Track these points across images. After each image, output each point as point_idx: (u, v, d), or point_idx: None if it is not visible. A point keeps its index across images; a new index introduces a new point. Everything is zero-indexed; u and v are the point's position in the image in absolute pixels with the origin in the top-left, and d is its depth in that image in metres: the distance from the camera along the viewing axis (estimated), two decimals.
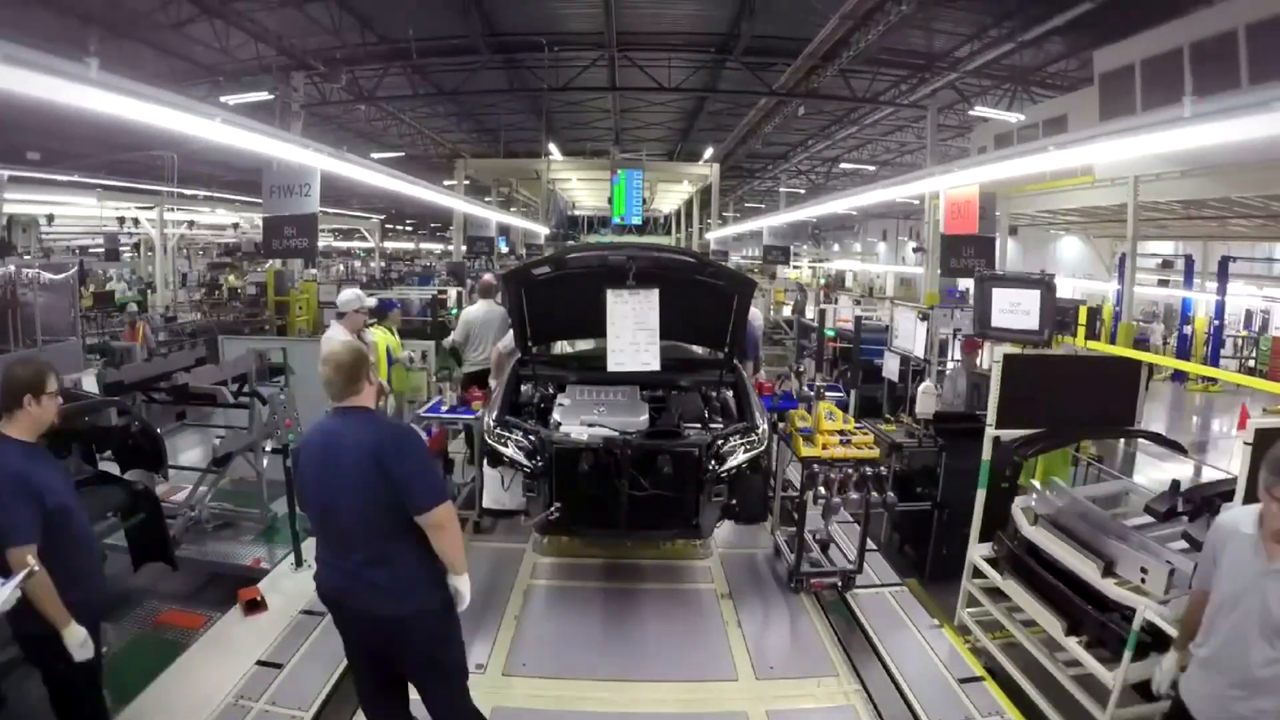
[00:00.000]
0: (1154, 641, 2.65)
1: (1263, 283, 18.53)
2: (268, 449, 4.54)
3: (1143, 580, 2.69)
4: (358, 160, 5.55)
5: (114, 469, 4.03)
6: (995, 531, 3.52)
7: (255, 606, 3.76)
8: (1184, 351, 16.97)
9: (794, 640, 3.64)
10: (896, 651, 3.55)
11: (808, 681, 3.41)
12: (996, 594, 3.60)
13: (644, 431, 4.12)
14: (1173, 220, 14.71)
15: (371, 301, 5.34)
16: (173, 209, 16.53)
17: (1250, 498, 2.28)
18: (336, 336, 4.88)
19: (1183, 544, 2.78)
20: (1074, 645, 2.87)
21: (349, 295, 5.12)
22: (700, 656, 3.57)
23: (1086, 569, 2.88)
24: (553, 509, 3.81)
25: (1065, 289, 19.18)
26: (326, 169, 5.51)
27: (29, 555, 2.30)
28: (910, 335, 6.01)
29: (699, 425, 4.38)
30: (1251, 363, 17.93)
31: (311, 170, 5.96)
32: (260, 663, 3.34)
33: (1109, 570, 2.81)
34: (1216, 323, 16.52)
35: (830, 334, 6.62)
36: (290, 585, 4.05)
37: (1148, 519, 3.11)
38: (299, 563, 4.25)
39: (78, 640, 2.44)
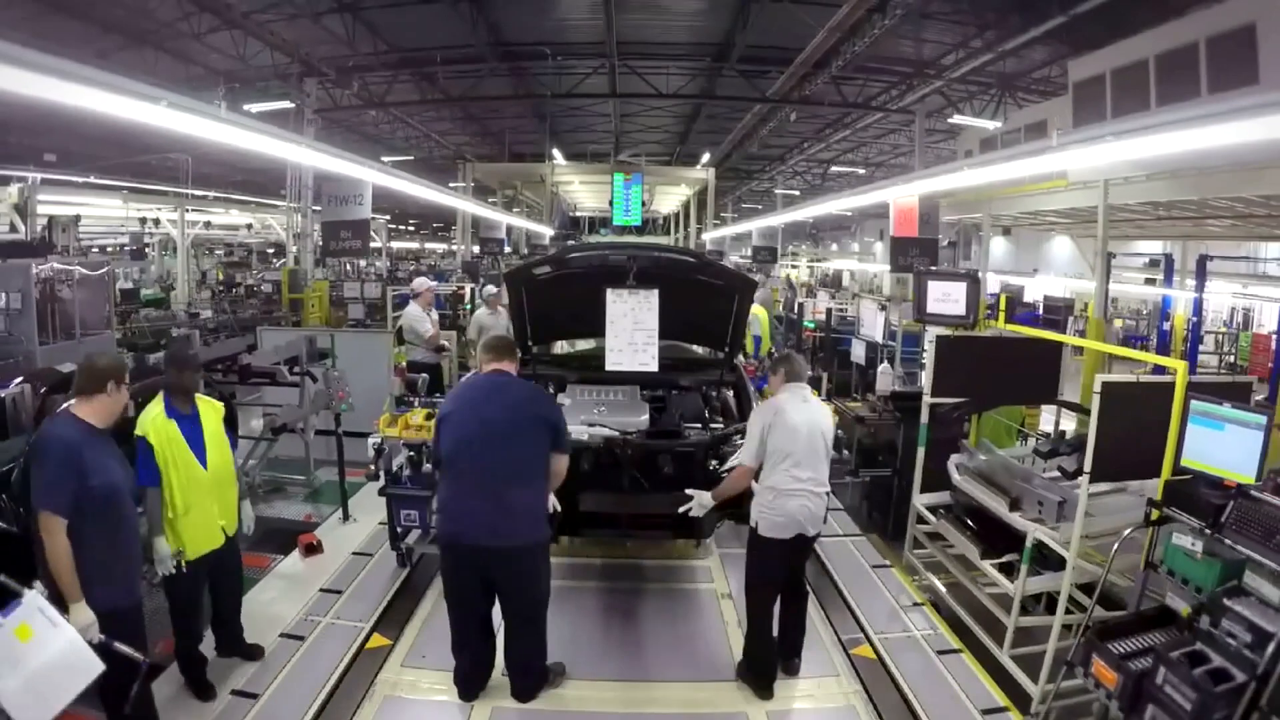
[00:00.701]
0: (1047, 560, 3.31)
1: (1246, 281, 19.11)
2: (316, 424, 5.21)
3: (1039, 512, 3.36)
4: (402, 174, 6.30)
5: None
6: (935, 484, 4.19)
7: (313, 549, 4.45)
8: (1164, 347, 17.60)
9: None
10: (854, 585, 4.17)
11: (808, 681, 3.45)
12: (937, 538, 4.26)
13: (644, 431, 4.18)
14: (1150, 221, 15.32)
15: (436, 285, 6.68)
16: (189, 209, 17.21)
17: (1100, 438, 2.94)
18: (415, 312, 6.56)
19: (1057, 473, 3.47)
20: (987, 566, 3.55)
21: (421, 280, 6.75)
22: (700, 656, 3.57)
23: (997, 506, 3.56)
24: (552, 510, 3.81)
25: (1057, 288, 19.88)
26: (377, 182, 6.22)
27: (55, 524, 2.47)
28: (873, 324, 6.69)
29: (699, 425, 4.40)
30: (1231, 358, 18.56)
31: (364, 182, 6.72)
32: (323, 590, 4.01)
33: (1015, 505, 3.48)
34: (1194, 319, 17.15)
35: (810, 325, 7.26)
36: (340, 534, 4.73)
37: (1056, 472, 3.77)
38: (346, 517, 4.93)
39: (83, 621, 2.41)
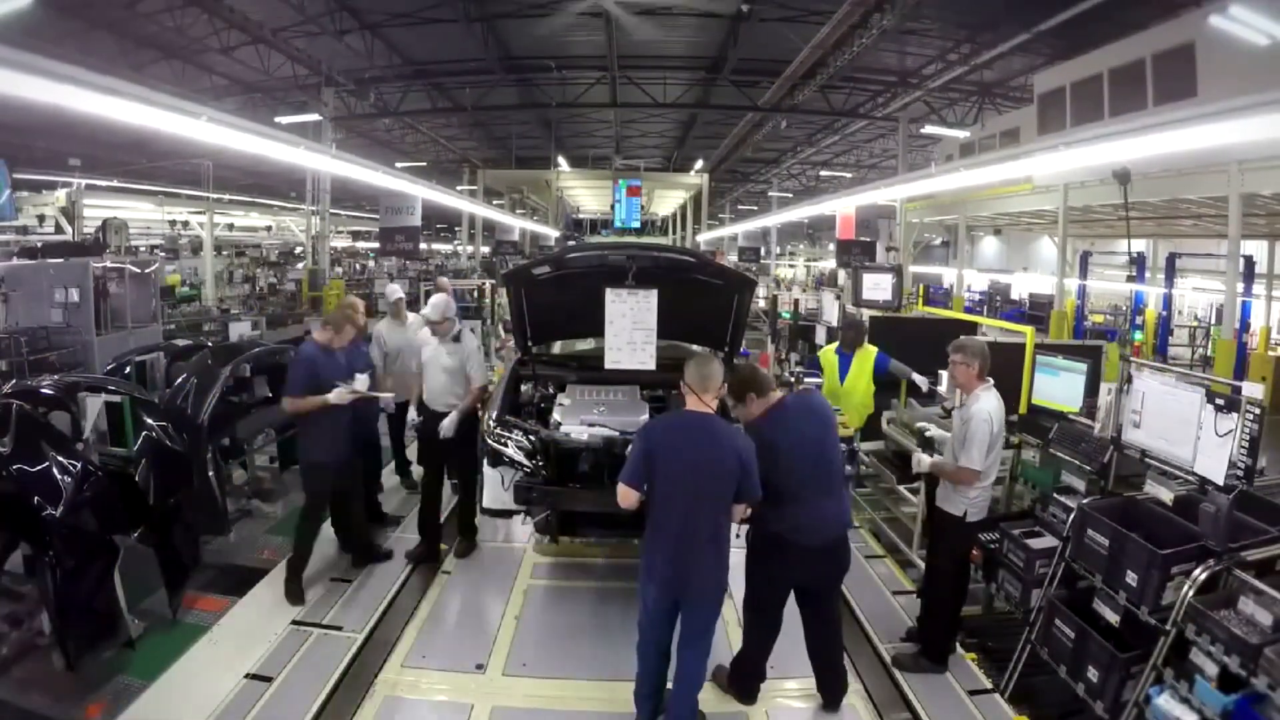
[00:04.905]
0: None
1: (1221, 278, 19.90)
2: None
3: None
4: (443, 189, 7.32)
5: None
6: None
7: None
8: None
9: (794, 640, 3.36)
10: (849, 580, 4.16)
11: (808, 681, 3.37)
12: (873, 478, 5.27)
13: None
14: (1117, 221, 16.23)
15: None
16: (212, 212, 18.18)
17: None
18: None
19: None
20: (902, 489, 4.58)
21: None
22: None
23: (909, 442, 4.58)
24: (548, 513, 3.88)
25: (1044, 285, 20.82)
26: (425, 197, 7.26)
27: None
28: (831, 311, 7.71)
29: None
30: (1202, 351, 19.48)
31: (415, 197, 7.99)
32: (333, 579, 4.41)
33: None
34: (1164, 314, 18.11)
35: (785, 315, 8.22)
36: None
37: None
38: (403, 476, 5.87)
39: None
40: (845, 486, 3.21)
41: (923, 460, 3.57)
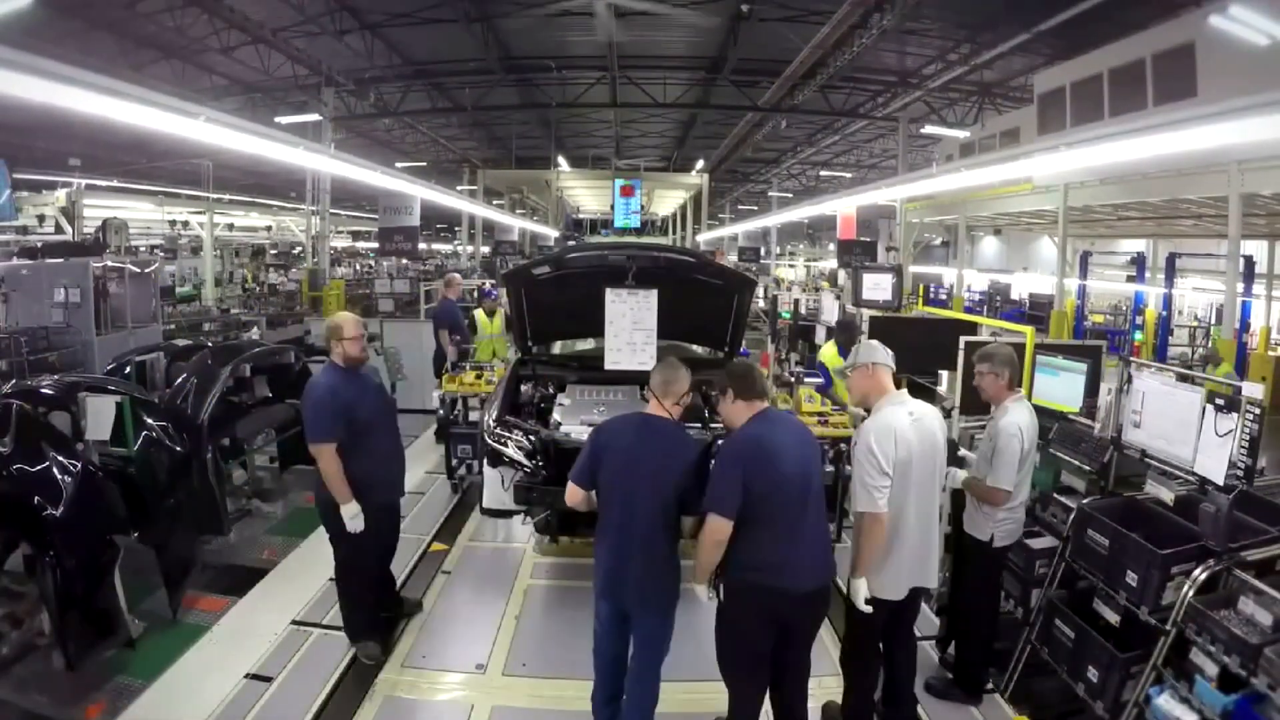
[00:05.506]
0: None
1: (1222, 278, 19.89)
2: None
3: None
4: (443, 189, 7.31)
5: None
6: None
7: None
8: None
9: None
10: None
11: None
12: None
13: None
14: (1117, 221, 16.27)
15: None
16: (212, 213, 18.19)
17: (965, 382, 3.93)
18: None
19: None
20: None
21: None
22: (700, 656, 3.29)
23: None
24: (548, 513, 3.94)
25: (1044, 285, 20.83)
26: (425, 197, 7.27)
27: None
28: (831, 311, 7.73)
29: (699, 425, 4.16)
30: (1202, 351, 19.49)
31: (414, 196, 8.02)
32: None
33: None
34: (1164, 313, 18.13)
35: (785, 315, 8.23)
36: None
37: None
38: None
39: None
40: (826, 524, 2.83)
41: (957, 476, 3.33)
